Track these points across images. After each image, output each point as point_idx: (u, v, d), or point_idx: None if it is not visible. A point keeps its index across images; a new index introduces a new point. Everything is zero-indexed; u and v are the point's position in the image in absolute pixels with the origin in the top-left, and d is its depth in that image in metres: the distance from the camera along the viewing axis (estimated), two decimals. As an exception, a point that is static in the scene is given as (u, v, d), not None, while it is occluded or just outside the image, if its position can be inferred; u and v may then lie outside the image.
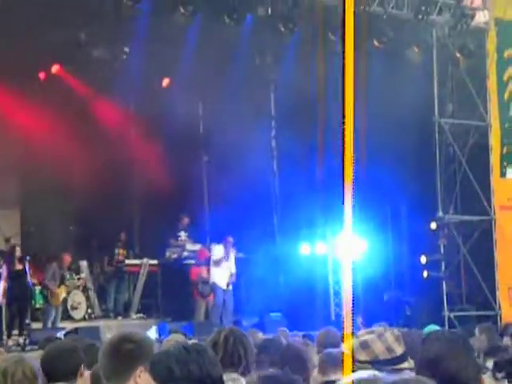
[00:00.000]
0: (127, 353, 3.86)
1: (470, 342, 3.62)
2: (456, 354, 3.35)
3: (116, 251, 18.69)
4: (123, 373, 3.83)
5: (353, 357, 3.78)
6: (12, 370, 4.80)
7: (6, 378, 4.76)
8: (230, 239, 17.32)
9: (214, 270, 17.24)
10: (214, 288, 17.21)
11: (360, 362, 3.80)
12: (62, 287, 17.13)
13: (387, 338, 3.88)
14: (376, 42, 17.17)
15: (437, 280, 17.92)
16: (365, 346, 3.86)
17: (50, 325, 16.35)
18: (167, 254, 18.66)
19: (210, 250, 17.92)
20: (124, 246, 18.85)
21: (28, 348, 13.86)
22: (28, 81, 17.27)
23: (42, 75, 18.36)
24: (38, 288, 17.52)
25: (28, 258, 16.78)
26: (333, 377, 4.96)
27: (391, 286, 18.57)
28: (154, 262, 18.80)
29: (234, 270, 17.41)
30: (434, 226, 17.77)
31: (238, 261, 18.39)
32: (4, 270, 15.69)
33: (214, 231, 18.86)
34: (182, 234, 18.71)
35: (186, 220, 18.76)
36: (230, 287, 17.29)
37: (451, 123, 18.01)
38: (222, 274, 17.23)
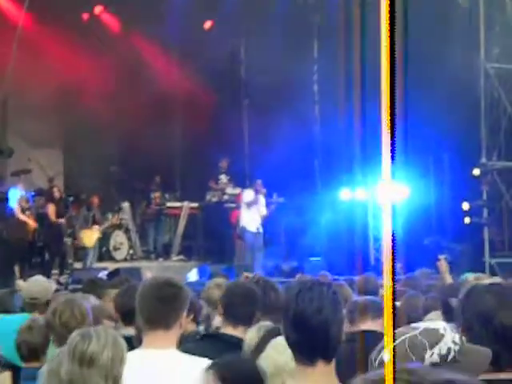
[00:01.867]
0: (173, 298, 3.89)
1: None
2: (509, 305, 3.15)
3: (152, 195, 18.81)
4: (171, 317, 3.87)
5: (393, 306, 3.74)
6: (61, 309, 4.89)
7: (55, 317, 4.87)
8: (259, 182, 17.29)
9: (243, 214, 17.22)
10: (243, 231, 17.21)
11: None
12: (95, 228, 17.25)
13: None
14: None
15: (479, 226, 17.80)
16: None
17: (88, 264, 16.57)
18: (207, 197, 18.74)
19: None
20: (159, 189, 18.92)
21: (71, 287, 14.09)
22: (71, 21, 17.28)
23: (85, 16, 18.38)
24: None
25: (71, 198, 16.99)
26: (362, 327, 4.86)
27: (432, 232, 18.48)
28: (195, 204, 18.91)
29: (265, 213, 17.39)
30: (476, 172, 17.60)
31: (277, 205, 18.43)
32: (48, 209, 15.91)
33: (254, 175, 18.87)
34: (223, 177, 18.74)
35: (225, 163, 18.76)
36: (261, 230, 17.26)
37: (497, 67, 17.71)
38: (251, 218, 17.21)
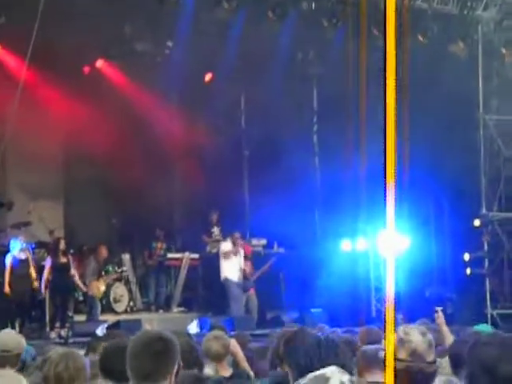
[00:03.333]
0: (163, 352, 3.84)
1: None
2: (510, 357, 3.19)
3: (154, 245, 18.80)
4: (161, 372, 3.81)
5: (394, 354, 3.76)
6: (56, 361, 4.84)
7: (50, 368, 4.82)
8: (237, 235, 17.41)
9: (223, 265, 17.28)
10: (226, 282, 17.21)
11: (399, 360, 3.77)
12: (101, 280, 17.27)
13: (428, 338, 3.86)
14: (420, 37, 17.05)
15: (480, 277, 17.76)
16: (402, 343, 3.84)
17: (98, 317, 16.45)
18: (208, 248, 18.72)
19: (249, 244, 18.01)
20: (162, 240, 18.92)
21: (71, 340, 14.00)
22: (73, 74, 17.43)
23: (86, 69, 18.53)
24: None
25: (72, 250, 16.96)
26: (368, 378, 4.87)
27: (433, 283, 18.44)
28: (195, 255, 18.88)
29: (243, 267, 17.45)
30: (477, 223, 17.61)
31: (278, 256, 18.41)
32: (48, 262, 15.87)
33: (254, 226, 18.88)
34: (215, 230, 18.75)
35: (215, 216, 18.77)
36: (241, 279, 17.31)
37: (496, 119, 17.82)
38: (232, 269, 17.27)
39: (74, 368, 4.78)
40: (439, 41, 17.50)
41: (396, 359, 3.76)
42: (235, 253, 17.31)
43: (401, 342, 3.84)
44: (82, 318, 16.73)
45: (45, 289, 15.64)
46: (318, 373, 2.48)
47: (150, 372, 3.80)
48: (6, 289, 15.08)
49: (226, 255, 17.23)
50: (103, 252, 17.41)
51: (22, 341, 6.50)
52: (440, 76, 16.83)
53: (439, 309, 8.74)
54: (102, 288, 17.21)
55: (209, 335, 6.92)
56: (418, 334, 3.85)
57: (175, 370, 3.88)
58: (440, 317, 8.60)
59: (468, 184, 17.65)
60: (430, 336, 3.89)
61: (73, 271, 16.20)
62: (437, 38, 17.27)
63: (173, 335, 4.01)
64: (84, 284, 16.76)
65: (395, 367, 2.71)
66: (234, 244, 17.34)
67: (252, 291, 17.61)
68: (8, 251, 15.25)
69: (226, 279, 17.24)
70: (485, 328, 8.00)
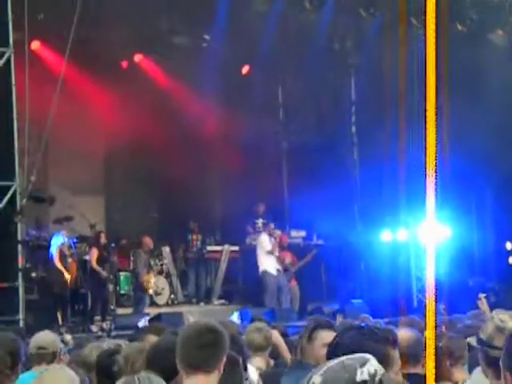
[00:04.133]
0: (213, 343, 3.93)
1: None
2: None
3: (189, 237, 18.85)
4: (212, 362, 3.90)
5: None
6: (134, 358, 4.89)
7: (127, 365, 4.87)
8: (272, 226, 17.51)
9: (262, 259, 17.31)
10: (264, 276, 17.25)
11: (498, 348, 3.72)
12: (151, 273, 17.47)
13: None
14: (459, 26, 16.90)
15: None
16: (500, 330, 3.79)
17: (143, 310, 16.56)
18: (247, 240, 18.75)
19: (288, 235, 18.03)
20: (197, 232, 18.96)
21: (113, 333, 14.11)
22: (111, 69, 17.54)
23: (124, 64, 18.63)
24: (122, 274, 17.82)
25: (113, 244, 17.09)
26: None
27: (475, 273, 18.30)
28: (235, 248, 18.92)
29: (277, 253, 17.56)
30: (519, 211, 17.44)
31: (318, 248, 18.39)
32: (92, 255, 16.02)
33: (294, 218, 18.87)
34: (260, 222, 18.75)
35: (262, 207, 18.78)
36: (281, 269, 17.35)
37: (537, 106, 17.60)
38: (270, 261, 17.30)
39: None
40: (478, 29, 17.33)
41: (493, 347, 3.73)
42: (275, 245, 17.35)
43: (498, 330, 3.79)
44: (124, 311, 16.85)
45: (101, 277, 15.83)
46: (357, 355, 2.51)
47: (200, 363, 3.89)
48: (68, 278, 15.24)
49: (270, 251, 17.27)
50: (148, 242, 17.55)
51: (58, 340, 6.63)
52: (480, 64, 16.66)
53: (482, 295, 8.63)
54: (153, 281, 17.38)
55: (251, 327, 6.93)
56: None
57: (224, 361, 3.95)
58: (483, 303, 8.47)
59: (510, 173, 17.47)
60: None
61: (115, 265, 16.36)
62: (476, 26, 17.10)
63: (222, 327, 4.07)
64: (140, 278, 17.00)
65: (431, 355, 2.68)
66: (270, 235, 17.38)
67: (294, 282, 17.62)
68: (50, 246, 15.41)
69: (265, 272, 17.27)
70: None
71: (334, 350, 3.21)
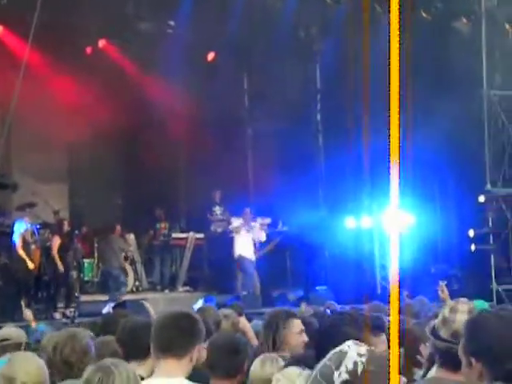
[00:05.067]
0: (189, 328, 3.97)
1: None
2: None
3: (157, 225, 18.83)
4: (184, 347, 3.93)
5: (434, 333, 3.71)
6: (62, 344, 4.86)
7: (56, 353, 4.83)
8: (248, 211, 17.49)
9: (237, 242, 17.32)
10: (240, 259, 17.26)
11: (441, 339, 3.71)
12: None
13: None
14: (424, 13, 16.98)
15: (485, 253, 17.76)
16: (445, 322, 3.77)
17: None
18: (212, 227, 18.74)
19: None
20: (164, 220, 18.93)
21: (77, 320, 14.05)
22: (75, 55, 17.40)
23: (88, 50, 18.49)
24: (86, 261, 17.74)
25: (77, 231, 17.00)
26: None
27: (438, 260, 18.45)
28: (200, 235, 18.91)
29: (262, 239, 17.49)
30: (482, 199, 17.59)
31: (283, 234, 18.44)
32: (53, 242, 15.92)
33: (257, 204, 18.88)
34: (217, 209, 18.75)
35: (218, 194, 18.78)
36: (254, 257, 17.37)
37: (500, 95, 17.75)
38: (245, 245, 17.30)
39: (81, 349, 4.80)
40: (442, 17, 17.43)
41: (438, 338, 3.72)
42: (247, 227, 17.33)
43: (444, 321, 3.77)
44: (88, 298, 16.80)
45: (61, 265, 15.74)
46: (337, 349, 2.50)
47: (171, 345, 3.92)
48: (30, 265, 15.11)
49: (237, 230, 17.25)
50: (119, 230, 17.58)
51: (23, 334, 6.55)
52: (443, 52, 16.76)
53: (443, 283, 8.61)
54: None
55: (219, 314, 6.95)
56: (463, 314, 3.76)
57: (196, 349, 3.97)
58: (444, 290, 8.46)
59: (472, 160, 17.62)
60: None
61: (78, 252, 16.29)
62: (440, 13, 17.19)
63: (199, 316, 4.13)
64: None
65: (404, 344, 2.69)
66: (244, 220, 17.38)
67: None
68: (12, 232, 15.29)
69: (240, 256, 17.26)
70: (481, 304, 7.92)
71: (319, 338, 3.19)
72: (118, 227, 17.63)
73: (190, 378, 3.98)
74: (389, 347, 2.66)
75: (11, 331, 6.41)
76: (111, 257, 17.32)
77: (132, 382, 3.46)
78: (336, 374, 2.36)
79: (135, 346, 5.01)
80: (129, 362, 5.12)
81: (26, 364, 4.00)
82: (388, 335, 3.08)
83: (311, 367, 2.95)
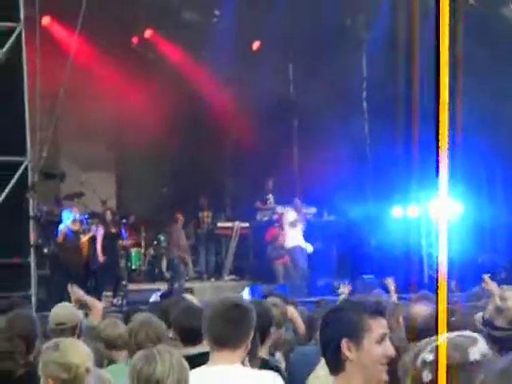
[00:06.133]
0: (241, 319, 3.96)
1: None
2: None
3: (200, 214, 18.89)
4: (239, 338, 3.94)
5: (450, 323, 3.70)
6: (136, 330, 4.93)
7: (131, 337, 4.91)
8: (298, 201, 17.51)
9: (288, 234, 17.32)
10: (290, 251, 17.27)
11: (498, 328, 3.68)
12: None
13: None
14: (471, 0, 16.79)
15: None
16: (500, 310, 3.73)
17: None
18: (258, 216, 18.76)
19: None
20: (207, 208, 18.98)
21: (125, 309, 14.17)
22: (121, 45, 17.52)
23: (135, 40, 18.59)
24: (133, 250, 17.87)
25: (124, 220, 17.13)
26: None
27: (486, 249, 18.27)
28: (246, 224, 18.93)
29: (303, 229, 17.59)
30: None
31: (328, 224, 18.40)
32: (99, 231, 16.06)
33: (304, 194, 18.84)
34: (270, 197, 18.75)
35: (271, 183, 18.77)
36: (305, 247, 17.36)
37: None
38: (296, 237, 17.31)
39: (155, 335, 4.89)
40: (490, 3, 17.21)
41: (495, 327, 3.68)
42: (300, 220, 17.37)
43: (498, 310, 3.73)
44: (135, 286, 16.92)
45: (102, 256, 15.88)
46: (460, 333, 2.51)
47: (226, 339, 3.90)
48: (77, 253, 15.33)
49: (292, 224, 17.28)
50: (180, 218, 17.72)
51: (78, 313, 6.53)
52: (492, 39, 16.54)
53: (486, 276, 8.49)
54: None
55: (266, 302, 6.95)
56: None
57: (251, 338, 3.97)
58: (488, 283, 8.34)
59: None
60: None
61: (125, 241, 16.43)
62: (488, 0, 16.99)
63: (250, 303, 4.12)
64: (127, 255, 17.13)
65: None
66: (297, 211, 17.39)
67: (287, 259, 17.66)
68: (61, 222, 15.46)
69: (291, 248, 17.29)
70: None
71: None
72: (180, 217, 17.76)
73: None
74: (424, 336, 2.67)
75: (64, 314, 6.31)
76: (173, 247, 17.50)
77: (176, 369, 3.46)
78: (472, 349, 2.38)
79: (191, 331, 5.07)
80: (184, 345, 5.20)
81: (77, 348, 4.05)
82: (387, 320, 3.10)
83: None
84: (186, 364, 3.54)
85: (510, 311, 3.65)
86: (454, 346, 2.38)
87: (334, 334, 2.99)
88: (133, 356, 3.80)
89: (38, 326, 5.78)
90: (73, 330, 6.14)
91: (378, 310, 3.03)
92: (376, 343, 2.98)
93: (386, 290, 10.37)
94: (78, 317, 6.42)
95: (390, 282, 8.84)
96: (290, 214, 17.44)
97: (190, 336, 5.16)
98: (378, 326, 2.98)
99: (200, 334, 4.17)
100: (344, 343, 2.95)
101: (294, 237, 17.35)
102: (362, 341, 2.96)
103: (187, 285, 17.08)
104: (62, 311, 6.40)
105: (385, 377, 2.97)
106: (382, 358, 2.95)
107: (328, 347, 3.01)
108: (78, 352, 3.99)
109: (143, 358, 3.50)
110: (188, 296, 8.94)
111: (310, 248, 17.46)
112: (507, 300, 3.73)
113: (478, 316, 3.96)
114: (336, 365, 2.98)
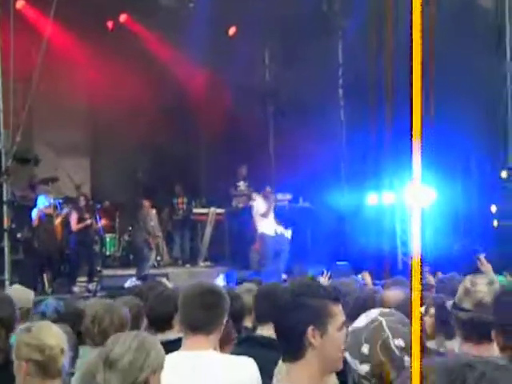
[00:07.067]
0: (215, 304, 3.98)
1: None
2: None
3: (175, 200, 18.87)
4: (213, 324, 3.96)
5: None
6: (100, 316, 4.89)
7: (94, 324, 4.88)
8: (269, 189, 17.38)
9: (259, 222, 17.28)
10: (262, 237, 17.24)
11: (464, 310, 3.74)
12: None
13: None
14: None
15: (507, 229, 17.67)
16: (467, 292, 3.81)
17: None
18: (233, 202, 18.77)
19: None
20: (182, 195, 18.95)
21: (99, 294, 14.14)
22: (96, 30, 17.40)
23: (110, 24, 18.48)
24: (108, 235, 17.82)
25: (98, 205, 17.07)
26: None
27: (460, 235, 18.38)
28: (221, 210, 18.94)
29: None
30: (504, 174, 17.48)
31: (303, 210, 18.42)
32: (74, 216, 16.00)
33: (279, 181, 18.86)
34: (241, 184, 18.74)
35: (244, 170, 18.75)
36: (279, 231, 17.34)
37: (524, 70, 17.59)
38: (267, 223, 17.29)
39: (119, 321, 4.86)
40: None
41: (461, 309, 3.75)
42: (270, 208, 17.32)
43: (466, 292, 3.80)
44: (110, 272, 16.90)
45: (82, 239, 15.87)
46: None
47: (201, 324, 3.92)
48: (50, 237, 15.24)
49: (261, 212, 17.26)
50: (147, 204, 17.65)
51: (30, 295, 6.45)
52: (466, 27, 16.60)
53: (481, 256, 8.45)
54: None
55: (241, 288, 6.97)
56: (484, 285, 3.81)
57: (224, 322, 3.98)
58: (484, 263, 8.38)
59: (495, 135, 17.50)
60: (497, 286, 3.83)
61: (99, 226, 16.37)
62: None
63: (223, 288, 4.13)
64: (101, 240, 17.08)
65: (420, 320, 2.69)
66: (266, 199, 17.34)
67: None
68: (35, 206, 15.38)
69: (263, 234, 17.25)
70: (500, 279, 7.81)
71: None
72: (147, 202, 17.68)
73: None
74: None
75: (18, 297, 5.86)
76: (137, 232, 17.42)
77: (132, 351, 3.44)
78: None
79: (162, 316, 5.07)
80: (155, 331, 5.19)
81: (50, 330, 4.02)
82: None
83: None
84: (149, 347, 3.48)
85: (477, 293, 3.72)
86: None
87: (297, 321, 2.93)
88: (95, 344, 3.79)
89: (17, 308, 5.72)
90: (27, 313, 6.02)
91: (338, 297, 3.03)
92: (338, 330, 2.96)
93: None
94: (31, 299, 6.35)
95: (366, 275, 8.94)
96: (258, 202, 17.42)
97: (158, 322, 5.17)
98: (339, 313, 2.97)
99: (170, 319, 4.18)
100: (310, 330, 2.91)
101: (264, 224, 17.31)
102: (327, 327, 2.93)
103: (163, 270, 17.07)
104: (14, 294, 6.03)
105: (341, 365, 2.97)
106: (342, 345, 2.95)
107: (290, 334, 2.95)
108: (52, 333, 3.96)
109: (110, 340, 3.52)
110: (165, 281, 8.96)
111: (287, 233, 17.41)
112: (477, 285, 3.80)
113: (449, 302, 4.03)
114: (296, 352, 2.93)
